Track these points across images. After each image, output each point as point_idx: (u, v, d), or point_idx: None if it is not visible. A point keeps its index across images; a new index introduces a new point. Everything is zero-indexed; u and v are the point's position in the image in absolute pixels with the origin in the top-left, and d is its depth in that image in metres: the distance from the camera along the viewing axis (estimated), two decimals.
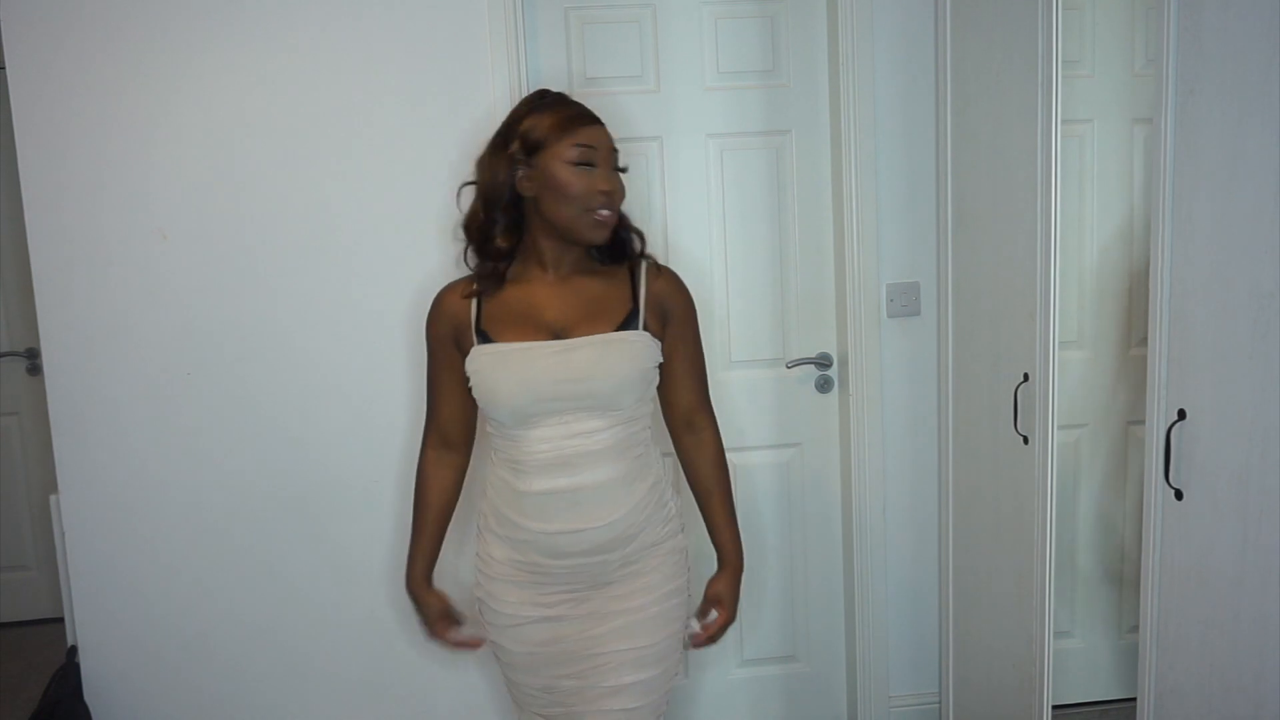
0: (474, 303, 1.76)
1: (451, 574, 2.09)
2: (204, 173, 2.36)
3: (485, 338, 1.73)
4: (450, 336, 1.79)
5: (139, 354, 2.38)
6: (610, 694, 1.76)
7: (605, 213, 1.72)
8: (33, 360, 3.63)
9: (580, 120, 1.72)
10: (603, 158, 1.72)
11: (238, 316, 2.40)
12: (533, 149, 1.70)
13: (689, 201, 2.60)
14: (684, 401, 1.87)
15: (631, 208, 2.58)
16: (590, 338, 1.73)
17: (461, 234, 1.82)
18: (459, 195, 1.90)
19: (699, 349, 1.86)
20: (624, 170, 1.78)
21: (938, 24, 2.48)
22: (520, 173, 1.71)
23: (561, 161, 1.69)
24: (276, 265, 2.40)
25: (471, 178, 1.82)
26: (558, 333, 1.73)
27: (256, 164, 2.37)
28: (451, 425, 1.87)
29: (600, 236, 1.74)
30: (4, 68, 2.30)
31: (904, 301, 2.61)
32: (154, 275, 2.37)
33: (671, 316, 1.82)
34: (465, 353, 1.76)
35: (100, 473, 2.40)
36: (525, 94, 2.36)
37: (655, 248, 2.58)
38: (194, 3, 2.31)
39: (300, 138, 2.37)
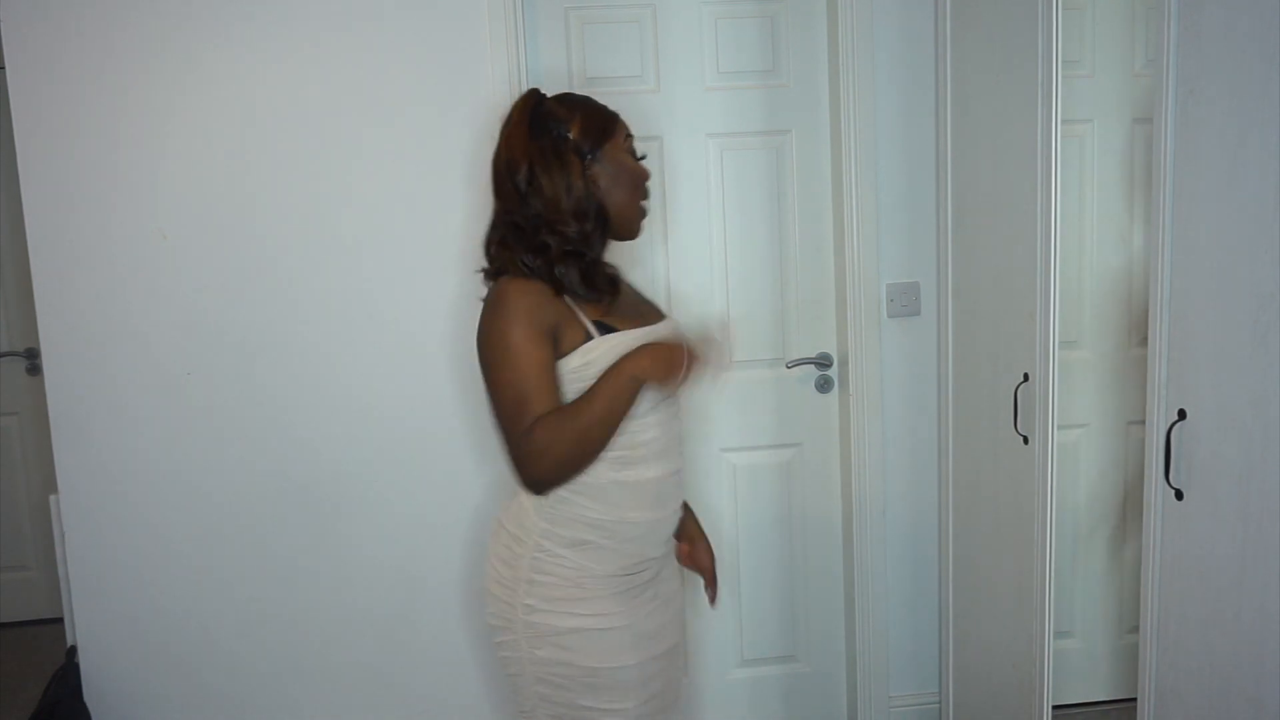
0: (565, 297, 1.64)
1: None
2: (203, 173, 2.36)
3: (605, 328, 1.63)
4: (551, 328, 1.61)
5: (139, 354, 2.38)
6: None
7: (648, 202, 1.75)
8: (33, 360, 3.63)
9: (616, 115, 1.73)
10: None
11: (238, 316, 2.40)
12: (594, 148, 1.66)
13: (689, 201, 2.60)
14: None
15: None
16: (669, 320, 1.75)
17: (561, 264, 1.62)
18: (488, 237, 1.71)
19: None
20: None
21: (938, 24, 2.48)
22: (590, 174, 1.65)
23: (624, 153, 1.70)
24: (276, 264, 2.40)
25: (483, 199, 1.72)
26: (643, 320, 1.71)
27: (256, 164, 2.37)
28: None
29: (640, 229, 1.75)
30: (4, 68, 2.30)
31: (904, 301, 2.61)
32: (154, 275, 2.37)
33: None
34: (564, 345, 1.62)
35: (100, 472, 2.40)
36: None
37: (655, 248, 2.60)
38: (194, 3, 2.31)
39: (300, 138, 2.37)
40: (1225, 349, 1.56)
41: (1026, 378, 2.15)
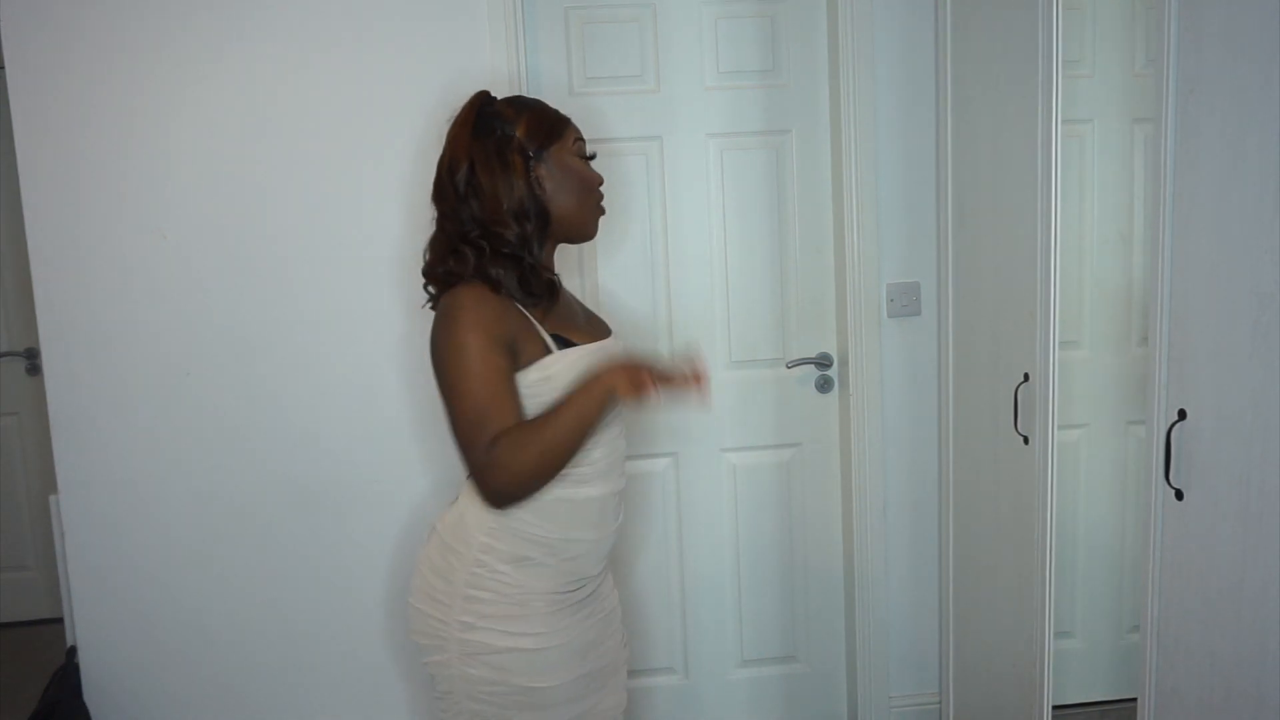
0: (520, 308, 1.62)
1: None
2: (204, 172, 2.36)
3: (563, 341, 1.61)
4: (509, 338, 1.57)
5: (139, 354, 2.38)
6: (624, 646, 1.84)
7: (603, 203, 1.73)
8: (32, 360, 3.63)
9: (567, 118, 1.71)
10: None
11: (238, 316, 2.40)
12: (540, 149, 1.64)
13: (689, 201, 2.60)
14: None
15: (631, 207, 2.60)
16: (616, 338, 1.75)
17: (496, 267, 1.60)
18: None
19: None
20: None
21: (938, 24, 2.48)
22: (534, 175, 1.63)
23: (572, 155, 1.67)
24: (276, 264, 2.40)
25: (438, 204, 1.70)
26: (593, 334, 1.70)
27: (256, 164, 2.37)
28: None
29: (597, 230, 1.74)
30: (4, 68, 2.30)
31: (904, 301, 2.61)
32: (154, 275, 2.37)
33: None
34: (523, 359, 1.58)
35: (100, 473, 2.40)
36: (525, 94, 2.38)
37: (655, 248, 2.60)
38: (195, 3, 2.31)
39: (300, 138, 2.37)
40: (1225, 349, 1.56)
41: (1026, 378, 2.15)
